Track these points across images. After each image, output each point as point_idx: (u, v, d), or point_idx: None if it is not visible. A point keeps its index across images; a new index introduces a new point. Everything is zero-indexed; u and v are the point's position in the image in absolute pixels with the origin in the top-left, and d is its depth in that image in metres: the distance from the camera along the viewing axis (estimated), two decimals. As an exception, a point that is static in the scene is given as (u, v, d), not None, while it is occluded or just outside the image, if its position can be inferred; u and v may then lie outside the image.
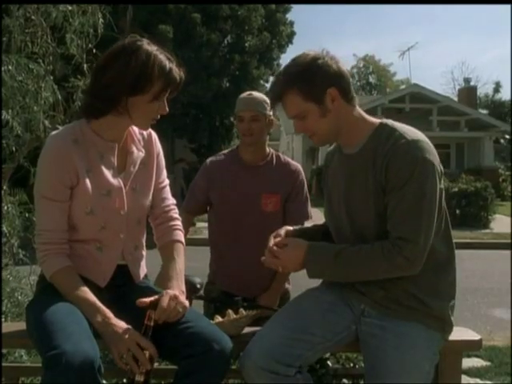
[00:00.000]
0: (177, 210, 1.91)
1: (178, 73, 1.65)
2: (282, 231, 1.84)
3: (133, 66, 1.58)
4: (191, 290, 2.56)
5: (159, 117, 1.71)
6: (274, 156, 2.57)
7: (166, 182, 1.89)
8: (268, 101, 2.50)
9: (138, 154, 1.79)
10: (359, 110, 1.74)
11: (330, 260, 1.68)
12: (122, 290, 1.75)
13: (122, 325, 1.55)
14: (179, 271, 1.74)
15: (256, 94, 2.50)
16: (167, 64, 1.62)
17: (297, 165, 2.61)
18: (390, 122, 1.73)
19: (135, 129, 1.80)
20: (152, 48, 1.62)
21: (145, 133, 1.82)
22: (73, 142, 1.66)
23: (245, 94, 2.51)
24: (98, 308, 1.58)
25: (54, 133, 1.71)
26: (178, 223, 1.88)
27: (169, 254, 1.80)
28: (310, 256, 1.70)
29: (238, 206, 2.48)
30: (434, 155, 1.63)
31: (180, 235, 1.86)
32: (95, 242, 1.72)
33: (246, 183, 2.48)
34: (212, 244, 2.63)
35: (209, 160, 2.62)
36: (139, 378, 1.53)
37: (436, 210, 1.63)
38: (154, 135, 1.86)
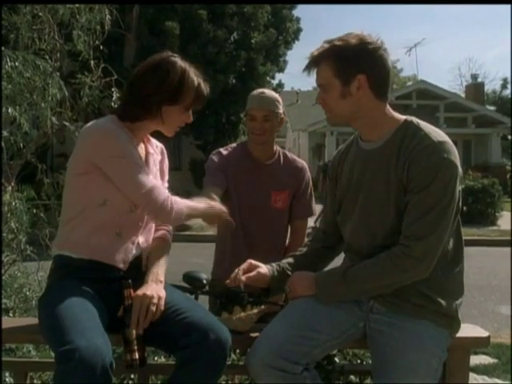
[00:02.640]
0: None
1: (205, 87, 1.83)
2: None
3: (171, 79, 1.74)
4: (197, 285, 2.57)
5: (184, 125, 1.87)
6: (281, 153, 2.58)
7: None
8: (279, 99, 2.48)
9: (157, 156, 1.92)
10: (387, 106, 1.72)
11: (339, 281, 1.71)
12: (135, 283, 1.75)
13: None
14: (161, 265, 1.81)
15: (268, 92, 2.49)
16: (196, 79, 1.80)
17: (303, 162, 2.63)
18: (414, 119, 1.71)
19: (151, 138, 1.93)
20: (185, 64, 1.80)
21: (158, 145, 1.98)
22: (119, 128, 1.75)
23: (257, 92, 2.50)
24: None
25: (97, 120, 1.78)
26: (168, 228, 1.96)
27: (154, 248, 1.87)
28: (319, 284, 1.74)
29: (249, 203, 2.48)
30: (457, 157, 1.63)
31: (168, 236, 1.94)
32: (116, 228, 1.76)
33: (258, 180, 2.49)
34: (221, 240, 2.62)
35: (222, 151, 2.57)
36: (134, 357, 1.59)
37: (453, 212, 1.63)
38: (165, 150, 2.01)
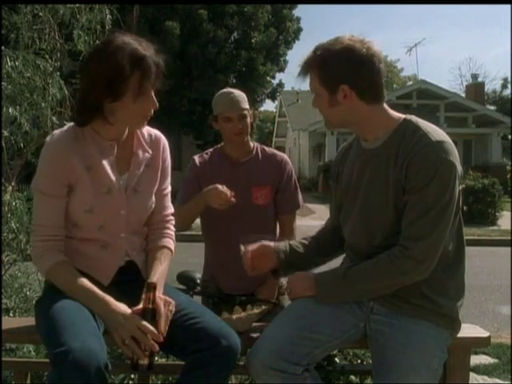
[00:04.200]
0: (174, 221, 1.91)
1: (153, 59, 1.59)
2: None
3: (104, 69, 1.55)
4: (190, 286, 2.57)
5: (153, 112, 1.68)
6: (258, 149, 2.57)
7: (169, 189, 1.89)
8: (245, 95, 2.48)
9: (144, 155, 1.78)
10: (384, 106, 1.72)
11: (339, 282, 1.71)
12: (132, 285, 1.73)
13: (122, 310, 1.55)
14: (161, 276, 1.73)
15: (235, 91, 2.47)
16: (141, 52, 1.57)
17: (283, 155, 2.61)
18: (414, 118, 1.71)
19: (143, 129, 1.80)
20: (124, 41, 1.58)
21: (153, 135, 1.82)
22: (73, 140, 1.66)
23: (225, 94, 2.47)
24: (97, 296, 1.58)
25: (55, 131, 1.71)
26: (172, 233, 1.88)
27: (155, 257, 1.79)
28: (319, 284, 1.73)
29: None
30: (456, 157, 1.62)
31: (170, 243, 1.85)
32: (98, 241, 1.72)
33: (236, 179, 2.46)
34: (206, 242, 2.61)
35: (196, 159, 2.57)
36: (143, 361, 1.54)
37: (453, 212, 1.63)
38: (164, 141, 1.85)
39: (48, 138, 1.68)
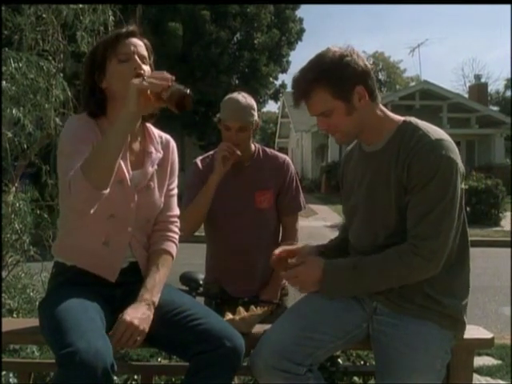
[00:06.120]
0: (178, 224, 1.91)
1: (125, 31, 1.74)
2: (298, 248, 1.89)
3: (88, 56, 1.77)
4: (194, 286, 2.57)
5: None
6: (260, 152, 2.53)
7: (176, 191, 1.90)
8: (254, 105, 2.41)
9: (157, 154, 1.81)
10: (382, 108, 1.73)
11: (347, 275, 1.70)
12: (135, 286, 1.73)
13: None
14: (158, 282, 1.72)
15: (243, 100, 2.37)
16: (113, 33, 1.77)
17: (284, 157, 2.57)
18: (413, 119, 1.72)
19: (154, 131, 1.85)
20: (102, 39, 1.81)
21: (163, 137, 1.88)
22: (94, 124, 1.71)
23: (231, 101, 2.38)
24: (113, 124, 1.57)
25: (77, 115, 1.78)
26: (176, 236, 1.87)
27: (154, 261, 1.78)
28: (327, 274, 1.71)
29: (233, 207, 2.44)
30: (457, 155, 1.63)
31: (172, 247, 1.84)
32: (102, 236, 1.71)
33: (239, 184, 2.44)
34: (209, 244, 2.60)
35: (199, 162, 2.54)
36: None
37: (457, 210, 1.63)
38: (173, 144, 1.90)
39: (71, 119, 1.77)
